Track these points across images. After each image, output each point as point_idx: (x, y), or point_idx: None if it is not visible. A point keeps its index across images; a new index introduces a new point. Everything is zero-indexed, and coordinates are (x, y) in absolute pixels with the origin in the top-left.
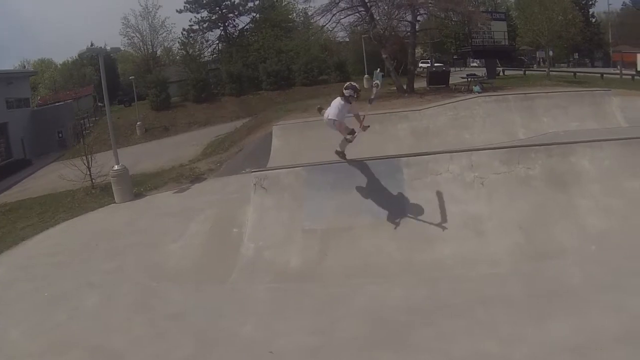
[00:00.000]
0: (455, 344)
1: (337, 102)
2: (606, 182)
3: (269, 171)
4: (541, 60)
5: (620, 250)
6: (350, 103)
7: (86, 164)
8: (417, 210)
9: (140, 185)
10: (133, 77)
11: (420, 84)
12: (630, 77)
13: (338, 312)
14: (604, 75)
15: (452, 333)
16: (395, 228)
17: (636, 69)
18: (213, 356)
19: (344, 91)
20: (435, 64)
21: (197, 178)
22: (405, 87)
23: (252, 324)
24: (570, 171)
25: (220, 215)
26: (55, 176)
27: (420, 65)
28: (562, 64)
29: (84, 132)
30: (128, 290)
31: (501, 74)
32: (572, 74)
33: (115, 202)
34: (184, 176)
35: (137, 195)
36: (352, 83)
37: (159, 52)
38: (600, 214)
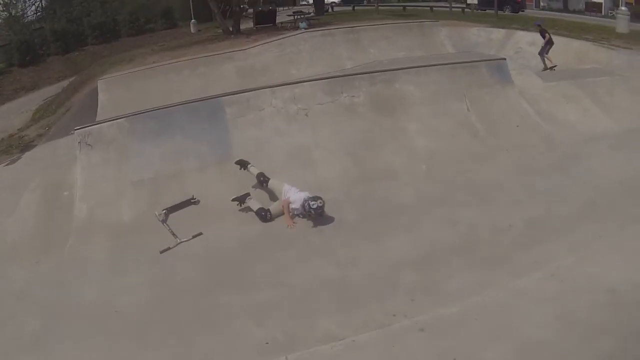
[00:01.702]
0: (294, 274)
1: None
2: (433, 105)
3: (92, 127)
4: None
5: (449, 167)
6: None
7: None
8: (243, 148)
9: None
10: None
11: (249, 25)
12: (460, 9)
13: (175, 260)
14: (434, 8)
15: (290, 264)
16: (222, 168)
17: (466, 2)
18: (59, 328)
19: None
20: None
21: (27, 146)
22: (231, 28)
23: (93, 287)
24: (395, 96)
25: (51, 180)
26: None
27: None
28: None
29: None
30: None
31: (330, 10)
32: (402, 7)
33: None
34: (13, 146)
35: None
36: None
37: None
38: (428, 134)
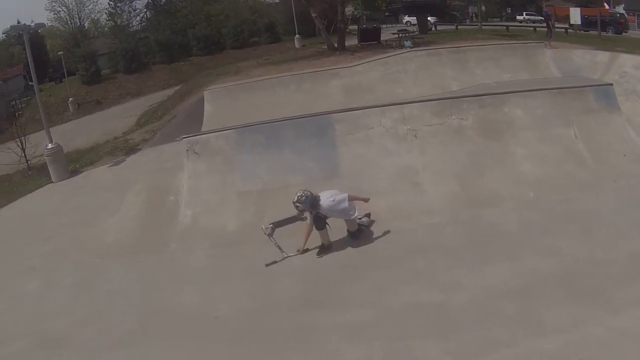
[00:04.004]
0: (393, 296)
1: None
2: (540, 130)
3: (200, 136)
4: (474, 15)
5: (555, 195)
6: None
7: (20, 146)
8: (351, 165)
9: (75, 162)
10: (62, 52)
11: (353, 41)
12: (563, 30)
13: (275, 273)
14: (537, 28)
15: (390, 285)
16: (328, 184)
17: (569, 22)
18: (154, 328)
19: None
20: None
21: (132, 149)
22: (336, 45)
23: (191, 291)
24: (503, 120)
25: (155, 184)
26: None
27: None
28: (495, 19)
29: (16, 113)
30: (68, 270)
31: (433, 29)
32: (505, 27)
33: (52, 182)
34: (118, 149)
35: (74, 173)
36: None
37: (86, 25)
38: (535, 160)
